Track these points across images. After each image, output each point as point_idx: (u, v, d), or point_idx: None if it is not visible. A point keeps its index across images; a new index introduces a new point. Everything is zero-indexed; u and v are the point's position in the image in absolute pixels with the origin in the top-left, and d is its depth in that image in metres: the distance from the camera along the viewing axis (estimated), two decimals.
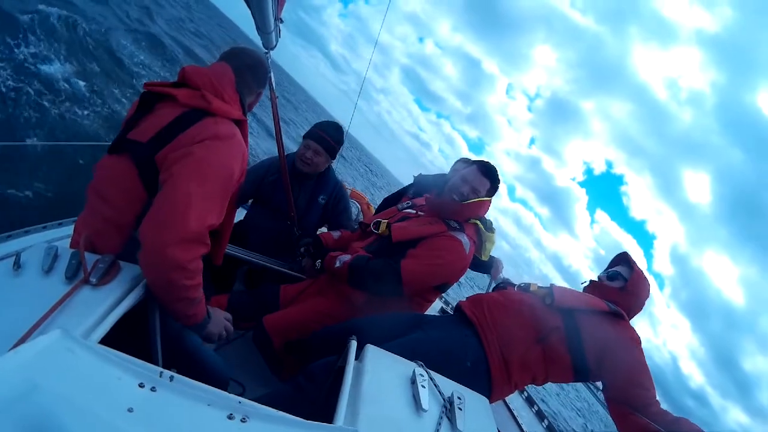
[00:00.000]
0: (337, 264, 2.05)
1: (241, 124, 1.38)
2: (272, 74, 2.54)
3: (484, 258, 2.26)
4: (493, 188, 2.17)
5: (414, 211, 2.24)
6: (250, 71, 1.51)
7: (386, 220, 2.18)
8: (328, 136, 2.59)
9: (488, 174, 2.14)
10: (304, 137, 2.63)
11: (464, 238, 2.03)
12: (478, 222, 2.16)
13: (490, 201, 2.18)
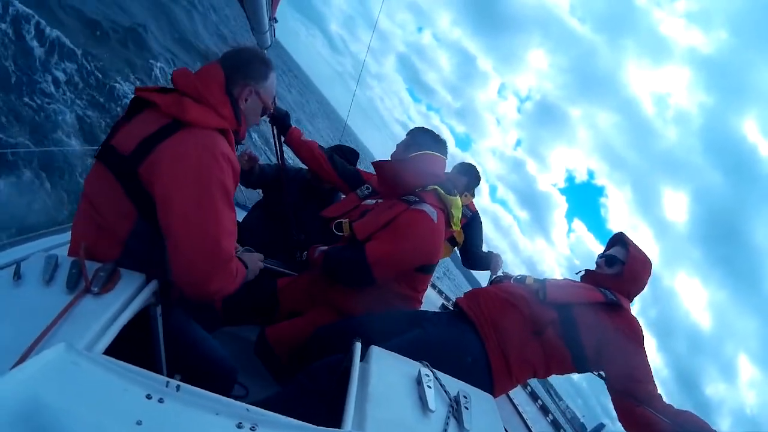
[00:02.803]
0: (317, 253, 2.03)
1: (225, 132, 1.30)
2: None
3: (455, 228, 2.11)
4: (421, 140, 2.03)
5: (373, 201, 2.16)
6: (240, 69, 1.40)
7: (347, 220, 2.08)
8: (343, 155, 2.72)
9: (410, 132, 2.09)
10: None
11: (427, 207, 1.90)
12: (436, 187, 2.02)
13: (437, 155, 2.02)
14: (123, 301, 1.07)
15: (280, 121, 2.35)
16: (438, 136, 2.05)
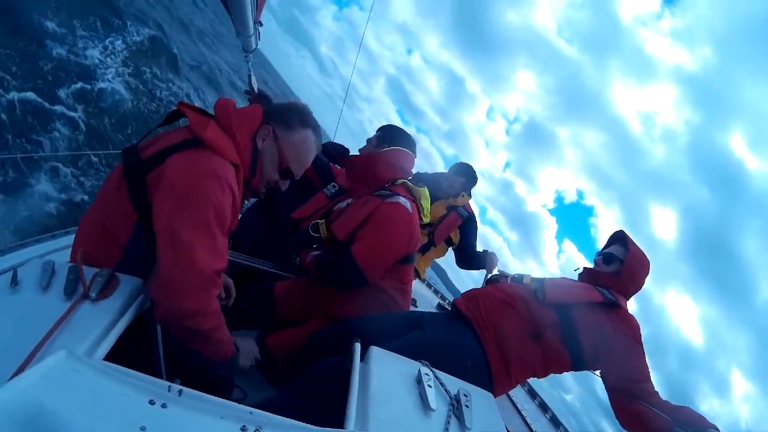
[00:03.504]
0: (308, 258, 2.03)
1: (236, 167, 1.26)
2: (252, 73, 2.53)
3: (425, 219, 2.15)
4: (393, 136, 2.11)
5: (345, 203, 2.18)
6: (271, 114, 1.38)
7: (323, 221, 2.11)
8: (333, 149, 2.73)
9: (381, 128, 2.17)
10: None
11: (401, 199, 1.96)
12: (405, 181, 2.10)
13: (406, 151, 2.10)
14: (121, 306, 1.07)
15: (266, 100, 2.32)
16: (408, 134, 2.13)
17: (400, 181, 2.08)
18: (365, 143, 2.16)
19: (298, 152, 1.40)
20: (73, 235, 1.86)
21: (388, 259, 1.95)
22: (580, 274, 2.02)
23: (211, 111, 1.33)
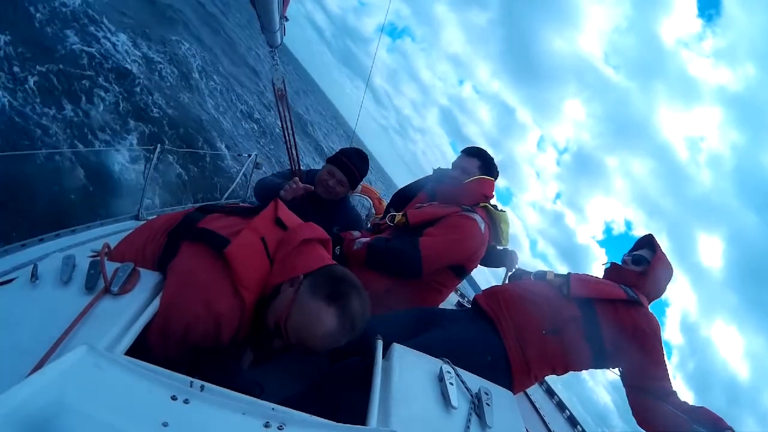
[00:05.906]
0: (356, 246, 2.05)
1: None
2: (278, 68, 2.52)
3: (504, 243, 2.29)
4: (485, 166, 2.25)
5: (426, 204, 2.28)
6: (314, 272, 1.18)
7: (399, 213, 2.19)
8: (356, 168, 2.53)
9: (473, 154, 2.27)
10: (329, 161, 2.55)
11: (478, 217, 2.07)
12: (487, 204, 2.21)
13: (490, 180, 2.25)
14: (143, 300, 1.06)
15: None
16: (490, 159, 2.27)
17: (483, 204, 2.21)
18: (458, 168, 2.26)
19: (302, 323, 1.11)
20: (94, 230, 1.87)
21: (446, 261, 2.04)
22: (607, 269, 2.02)
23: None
